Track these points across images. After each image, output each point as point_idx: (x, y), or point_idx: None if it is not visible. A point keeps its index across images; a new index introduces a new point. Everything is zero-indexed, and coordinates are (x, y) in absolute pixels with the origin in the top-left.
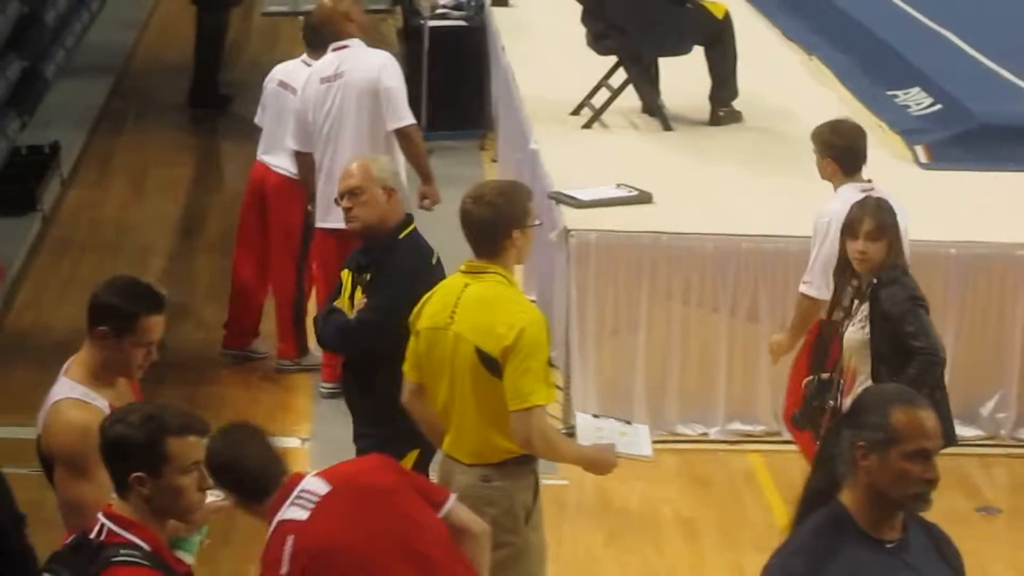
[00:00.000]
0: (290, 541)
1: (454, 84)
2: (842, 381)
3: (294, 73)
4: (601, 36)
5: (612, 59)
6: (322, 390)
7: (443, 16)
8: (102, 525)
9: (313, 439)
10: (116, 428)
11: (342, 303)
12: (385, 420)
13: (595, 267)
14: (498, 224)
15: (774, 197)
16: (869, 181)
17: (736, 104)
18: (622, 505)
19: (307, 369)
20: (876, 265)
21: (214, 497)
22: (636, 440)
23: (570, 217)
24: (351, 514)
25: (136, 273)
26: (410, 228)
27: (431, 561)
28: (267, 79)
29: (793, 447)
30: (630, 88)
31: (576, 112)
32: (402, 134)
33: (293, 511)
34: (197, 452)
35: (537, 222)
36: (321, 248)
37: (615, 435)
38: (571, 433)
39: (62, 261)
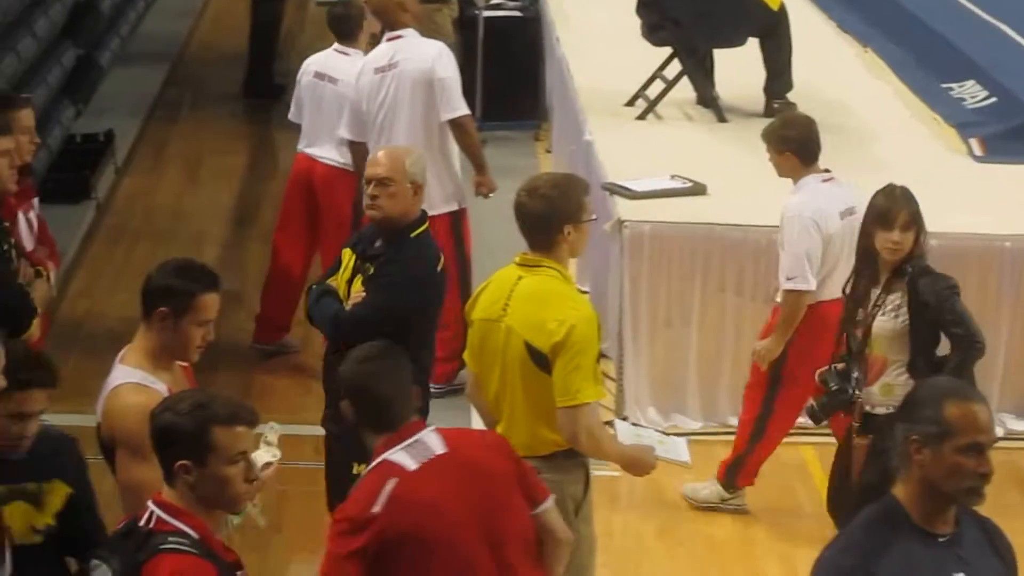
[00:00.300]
0: (391, 484)
1: (508, 75)
2: (860, 371)
3: (329, 63)
4: (656, 27)
5: (667, 50)
6: None
7: (498, 6)
8: (151, 512)
9: None
10: (165, 416)
11: (337, 283)
12: None
13: (648, 258)
14: (552, 217)
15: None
16: (827, 171)
17: (790, 96)
18: (673, 497)
19: None
20: (906, 255)
21: (271, 457)
22: (675, 448)
23: (624, 208)
24: (455, 483)
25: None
26: (423, 228)
27: (506, 553)
28: (300, 72)
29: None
30: (684, 79)
31: (630, 103)
32: (456, 124)
33: (402, 456)
34: (244, 442)
35: (592, 217)
36: None
37: (654, 441)
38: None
39: (116, 249)
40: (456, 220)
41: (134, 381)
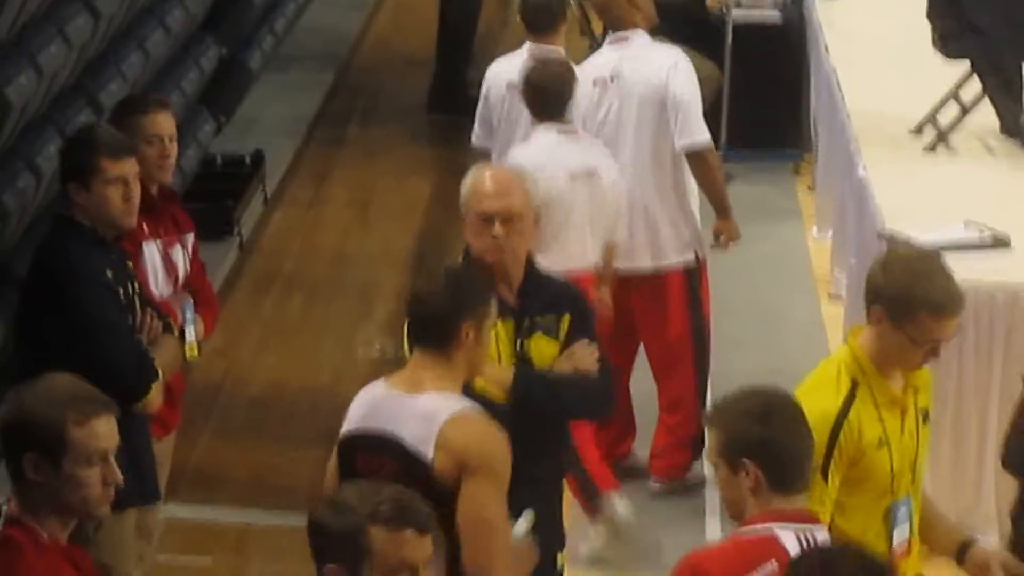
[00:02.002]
0: (771, 566)
1: (762, 92)
2: None
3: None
4: (952, 36)
5: (964, 66)
6: None
7: (751, 7)
8: None
9: None
10: (321, 510)
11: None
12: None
13: None
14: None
15: None
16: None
17: None
18: None
19: None
20: None
21: None
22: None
23: None
24: None
25: (358, 319)
26: None
27: None
28: (485, 84)
29: None
30: (985, 102)
31: (917, 131)
32: (694, 155)
33: (792, 540)
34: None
35: None
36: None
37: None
38: None
39: (264, 300)
40: (693, 275)
41: (469, 405)
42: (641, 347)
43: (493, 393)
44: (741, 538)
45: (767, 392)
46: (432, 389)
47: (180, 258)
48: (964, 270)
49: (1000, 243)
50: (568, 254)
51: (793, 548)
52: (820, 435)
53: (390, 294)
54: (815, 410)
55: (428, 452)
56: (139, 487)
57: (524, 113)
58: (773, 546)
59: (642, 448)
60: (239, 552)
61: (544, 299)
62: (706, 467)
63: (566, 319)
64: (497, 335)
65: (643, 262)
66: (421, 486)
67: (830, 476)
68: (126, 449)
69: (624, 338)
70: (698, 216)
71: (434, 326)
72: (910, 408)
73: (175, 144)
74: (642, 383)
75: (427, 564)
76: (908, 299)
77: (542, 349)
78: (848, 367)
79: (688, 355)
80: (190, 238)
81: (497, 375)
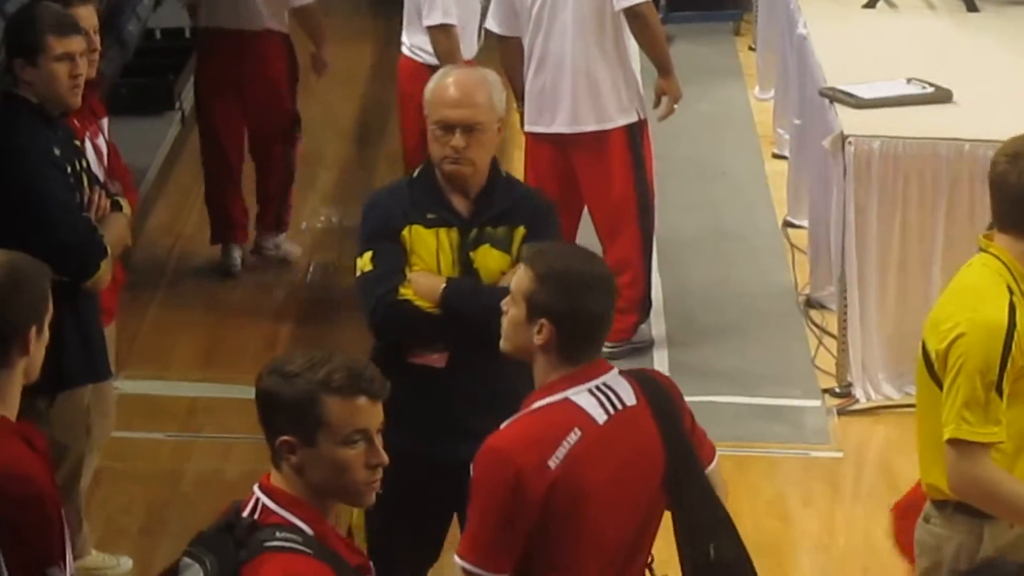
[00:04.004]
0: (576, 435)
1: None
2: None
3: None
4: None
5: None
6: None
7: None
8: (257, 500)
9: None
10: (270, 379)
11: (425, 271)
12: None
13: (879, 183)
14: None
15: None
16: None
17: None
18: (911, 483)
19: None
20: None
21: None
22: None
23: (848, 120)
24: (636, 445)
25: (301, 191)
26: None
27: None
28: None
29: None
30: None
31: None
32: (634, 15)
33: (589, 402)
34: (365, 418)
35: None
36: (533, 160)
37: None
38: (847, 393)
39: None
40: (634, 134)
41: None
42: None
43: (421, 303)
44: (535, 411)
45: (585, 257)
46: None
47: (102, 144)
48: (907, 125)
49: (942, 98)
50: None
51: (591, 408)
52: (992, 348)
53: (333, 162)
54: (983, 321)
55: None
56: (91, 366)
57: None
58: (570, 412)
59: None
60: (188, 426)
61: (499, 210)
62: (653, 329)
63: (519, 232)
64: (439, 244)
65: (585, 123)
66: None
67: (1003, 391)
68: (77, 328)
69: (568, 202)
70: (640, 77)
71: None
72: None
73: (99, 36)
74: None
75: (378, 431)
76: None
77: (489, 263)
78: (1000, 274)
79: (632, 216)
80: (105, 123)
81: (427, 284)
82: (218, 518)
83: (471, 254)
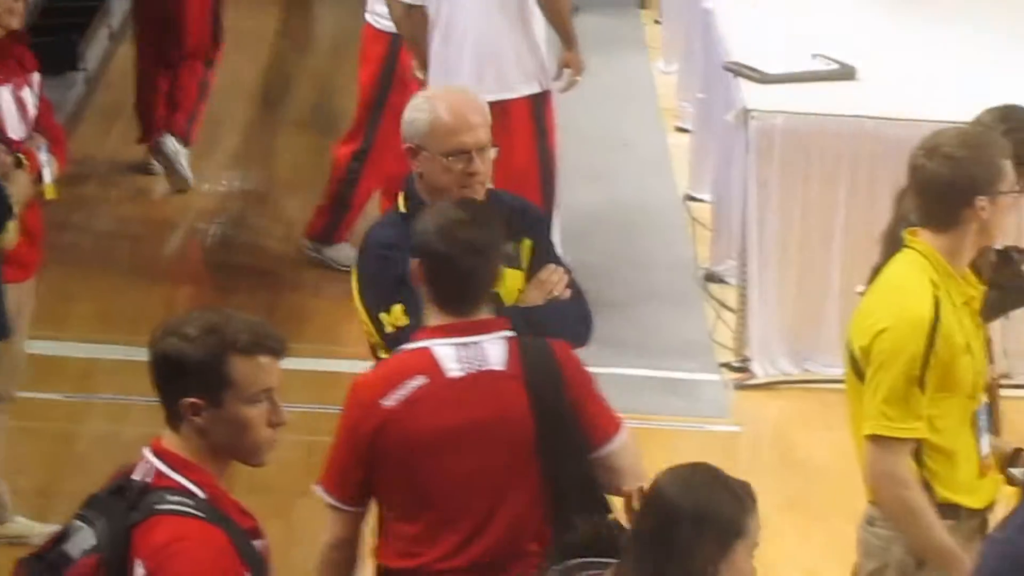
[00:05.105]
0: (419, 381)
1: None
2: None
3: None
4: None
5: None
6: None
7: None
8: (148, 463)
9: None
10: (170, 341)
11: None
12: None
13: (781, 159)
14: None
15: (1018, 70)
16: None
17: None
18: (807, 459)
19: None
20: None
21: None
22: None
23: (751, 94)
24: (493, 407)
25: (204, 153)
26: None
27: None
28: None
29: None
30: None
31: None
32: None
33: (448, 355)
34: (268, 377)
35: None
36: None
37: None
38: (745, 367)
39: (110, 133)
40: (538, 105)
41: None
42: None
43: None
44: (397, 353)
45: (477, 218)
46: None
47: (30, 99)
48: (811, 101)
49: (846, 75)
50: None
51: (449, 361)
52: (915, 342)
53: (237, 126)
54: (906, 316)
55: None
56: None
57: None
58: (424, 360)
59: None
60: (84, 387)
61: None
62: None
63: (526, 244)
64: None
65: (488, 93)
66: None
67: (926, 387)
68: None
69: None
70: (544, 47)
71: None
72: (976, 307)
73: None
74: None
75: (279, 388)
76: (994, 166)
77: (506, 282)
78: (924, 270)
79: (535, 186)
80: (36, 78)
81: None
82: (109, 481)
83: None
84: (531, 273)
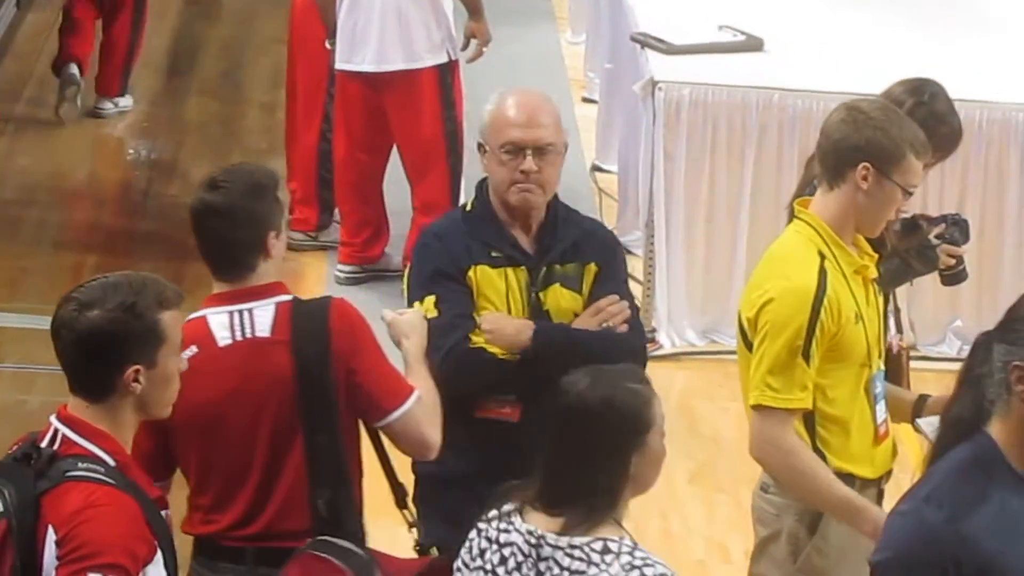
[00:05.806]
0: (191, 352)
1: None
2: None
3: None
4: None
5: None
6: (338, 275)
7: None
8: (56, 431)
9: None
10: (91, 316)
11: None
12: None
13: (688, 130)
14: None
15: (923, 48)
16: None
17: None
18: (712, 430)
19: (324, 247)
20: None
21: None
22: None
23: (658, 65)
24: (258, 374)
25: (110, 122)
26: None
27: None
28: None
29: (941, 365)
30: None
31: None
32: None
33: (221, 323)
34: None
35: None
36: (344, 98)
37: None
38: (651, 338)
39: (16, 102)
40: (445, 74)
41: None
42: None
43: (497, 351)
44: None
45: (230, 171)
46: None
47: None
48: (718, 73)
49: (753, 46)
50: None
51: (219, 329)
52: (800, 313)
53: (144, 94)
54: (792, 287)
55: None
56: None
57: None
58: (199, 330)
59: (395, 250)
60: None
61: (566, 244)
62: None
63: (591, 269)
64: (508, 286)
65: (395, 62)
66: None
67: (812, 357)
68: None
69: (378, 141)
70: (451, 17)
71: None
72: (869, 276)
73: None
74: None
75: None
76: (895, 145)
77: (561, 303)
78: (811, 240)
79: (442, 156)
80: None
81: (512, 330)
82: (12, 448)
83: (540, 295)
84: (591, 299)
